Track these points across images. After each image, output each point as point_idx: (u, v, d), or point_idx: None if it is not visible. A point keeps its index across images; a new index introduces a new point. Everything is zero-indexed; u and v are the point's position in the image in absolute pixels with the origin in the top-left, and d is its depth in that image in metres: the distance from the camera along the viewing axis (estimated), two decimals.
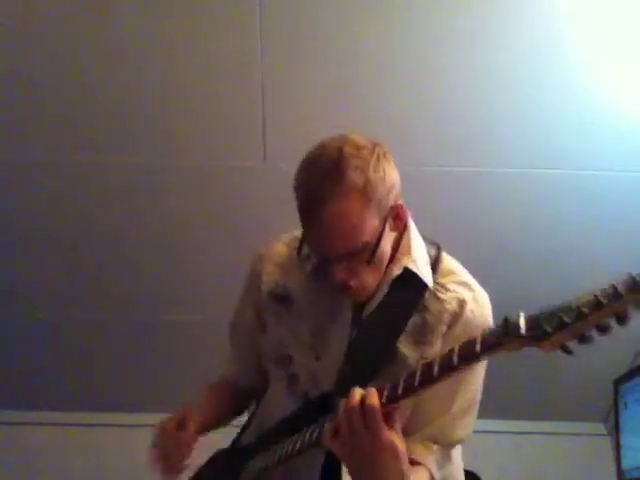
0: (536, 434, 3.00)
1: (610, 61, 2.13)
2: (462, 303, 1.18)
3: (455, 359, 0.92)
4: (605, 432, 3.04)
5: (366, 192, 1.06)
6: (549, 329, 0.82)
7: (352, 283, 1.12)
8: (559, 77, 2.17)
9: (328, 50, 2.12)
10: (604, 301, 0.78)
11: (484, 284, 1.26)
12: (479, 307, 1.20)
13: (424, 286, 1.18)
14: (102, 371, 2.93)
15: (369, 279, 1.14)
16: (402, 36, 2.10)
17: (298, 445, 1.14)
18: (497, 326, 0.90)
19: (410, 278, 1.18)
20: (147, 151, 2.35)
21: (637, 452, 2.59)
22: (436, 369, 0.94)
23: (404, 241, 1.21)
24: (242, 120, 2.27)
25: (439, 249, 1.26)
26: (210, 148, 2.34)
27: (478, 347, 0.90)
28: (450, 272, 1.23)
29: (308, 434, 1.12)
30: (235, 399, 1.45)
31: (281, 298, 1.29)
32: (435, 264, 1.22)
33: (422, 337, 1.17)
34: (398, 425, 1.00)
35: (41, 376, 2.93)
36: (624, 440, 2.71)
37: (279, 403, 1.29)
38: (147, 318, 2.79)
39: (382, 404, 0.97)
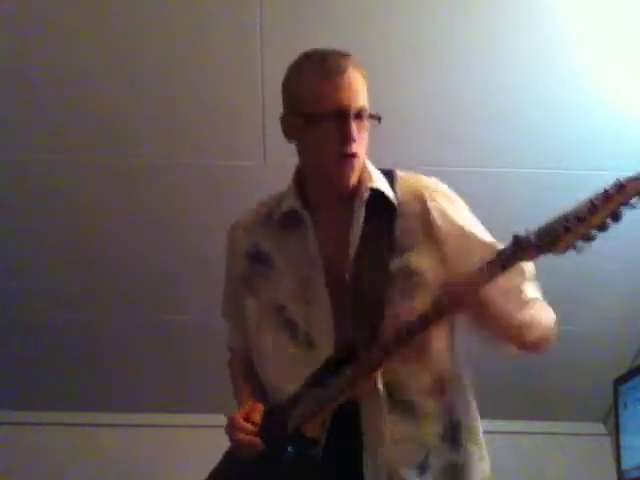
0: (536, 434, 3.01)
1: (610, 62, 2.13)
2: (420, 198, 1.31)
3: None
4: (605, 432, 3.04)
5: (364, 76, 1.28)
6: (557, 234, 0.97)
7: (356, 150, 1.24)
8: (559, 78, 2.17)
9: None
10: (598, 203, 0.93)
11: None
12: (435, 192, 1.33)
13: (392, 205, 1.30)
14: (102, 371, 2.93)
15: (362, 152, 1.28)
16: (402, 38, 2.10)
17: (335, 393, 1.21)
18: (510, 244, 1.05)
19: (378, 204, 1.30)
20: (147, 151, 2.35)
21: (637, 452, 2.60)
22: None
23: (364, 174, 1.32)
24: (242, 120, 2.27)
25: (392, 171, 1.37)
26: (210, 148, 2.34)
27: (499, 263, 1.06)
28: (403, 180, 1.35)
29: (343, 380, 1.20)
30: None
31: (259, 258, 1.38)
32: (392, 182, 1.34)
33: (404, 244, 1.28)
34: None
35: (41, 376, 2.93)
36: (624, 440, 2.71)
37: (285, 358, 1.32)
38: (147, 318, 2.79)
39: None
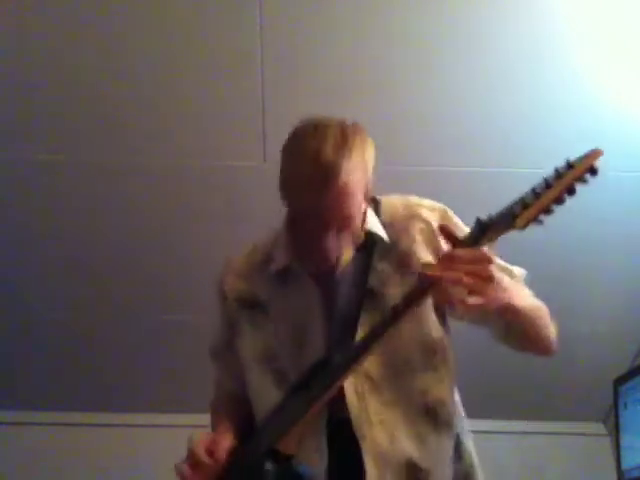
0: (536, 434, 3.01)
1: (610, 62, 2.13)
2: (416, 216, 1.29)
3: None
4: (605, 432, 3.05)
5: (366, 169, 1.16)
6: (517, 211, 1.06)
7: (335, 255, 1.16)
8: (559, 78, 2.17)
9: (328, 50, 2.12)
10: (552, 182, 1.07)
11: None
12: (428, 205, 1.32)
13: (380, 239, 1.26)
14: (102, 371, 2.93)
15: (346, 249, 1.20)
16: (402, 37, 2.10)
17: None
18: (473, 228, 1.10)
19: (370, 241, 1.25)
20: (147, 151, 2.35)
21: (637, 452, 2.60)
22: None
23: None
24: (242, 120, 2.27)
25: (376, 200, 1.32)
26: (210, 148, 2.34)
27: (469, 244, 1.09)
28: (391, 205, 1.32)
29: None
30: (244, 408, 1.42)
31: (252, 304, 1.33)
32: (378, 212, 1.30)
33: (406, 268, 1.24)
34: None
35: (41, 376, 2.93)
36: (624, 440, 2.71)
37: (270, 400, 1.28)
38: (147, 318, 2.79)
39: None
